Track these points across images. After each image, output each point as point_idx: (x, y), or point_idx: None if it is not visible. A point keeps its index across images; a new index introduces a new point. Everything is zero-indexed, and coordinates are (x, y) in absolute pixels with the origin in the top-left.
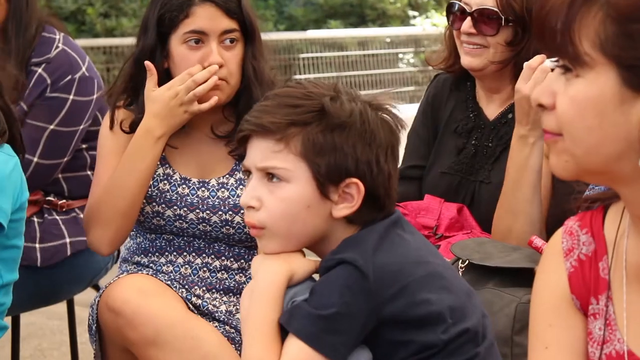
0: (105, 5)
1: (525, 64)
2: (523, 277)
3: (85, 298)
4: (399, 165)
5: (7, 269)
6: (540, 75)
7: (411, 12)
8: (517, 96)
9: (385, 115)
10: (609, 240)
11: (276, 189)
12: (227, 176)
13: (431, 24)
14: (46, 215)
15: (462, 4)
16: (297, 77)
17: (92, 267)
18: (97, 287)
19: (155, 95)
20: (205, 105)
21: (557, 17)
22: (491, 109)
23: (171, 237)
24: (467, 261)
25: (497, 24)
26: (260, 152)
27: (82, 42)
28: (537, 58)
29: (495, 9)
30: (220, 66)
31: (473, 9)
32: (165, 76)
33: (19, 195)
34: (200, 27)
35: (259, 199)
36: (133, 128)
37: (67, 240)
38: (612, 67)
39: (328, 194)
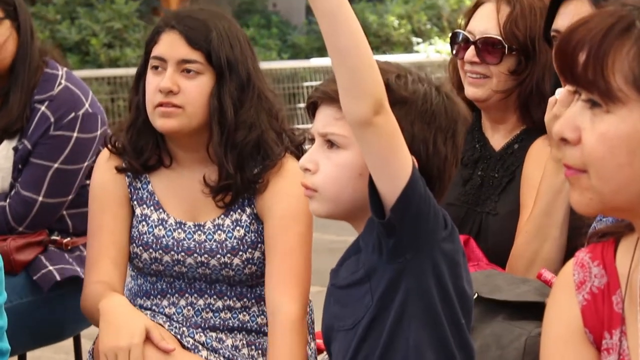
0: (109, 36)
1: (550, 100)
2: (532, 310)
3: (92, 331)
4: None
5: None
6: (566, 97)
7: (415, 39)
8: (550, 125)
9: (450, 101)
10: (621, 274)
11: (333, 155)
12: (223, 217)
13: (435, 50)
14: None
15: (466, 33)
16: (301, 105)
17: None
18: None
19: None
20: None
21: (588, 51)
22: (497, 140)
23: (172, 280)
24: (476, 294)
25: (500, 52)
26: (323, 119)
27: (86, 72)
28: (561, 100)
29: (499, 37)
30: (170, 92)
31: (476, 38)
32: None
33: None
34: (160, 53)
35: (315, 163)
36: (119, 150)
37: (77, 267)
38: None
39: None
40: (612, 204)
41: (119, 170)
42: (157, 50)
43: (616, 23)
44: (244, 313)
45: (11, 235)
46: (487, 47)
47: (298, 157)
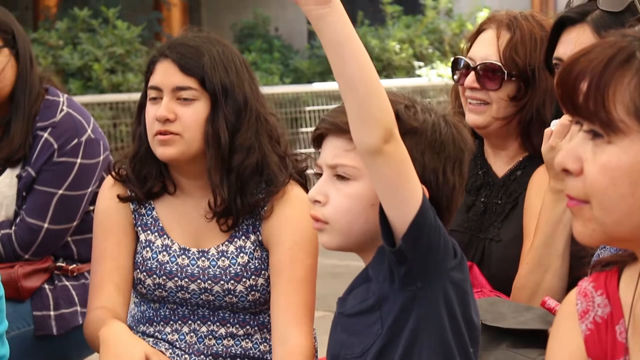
0: (112, 61)
1: (560, 122)
2: (536, 338)
3: (95, 358)
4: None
5: None
6: (562, 129)
7: (416, 63)
8: (548, 156)
9: (457, 130)
10: (624, 303)
11: (343, 186)
12: (227, 243)
13: (437, 74)
14: (57, 282)
15: (466, 59)
16: (303, 130)
17: None
18: None
19: None
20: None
21: (589, 82)
22: (499, 166)
23: (175, 307)
24: (480, 322)
25: (500, 78)
26: (332, 150)
27: (88, 97)
28: (557, 132)
29: (498, 63)
30: (167, 120)
31: (477, 64)
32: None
33: None
34: (155, 82)
35: (325, 195)
36: (122, 178)
37: (79, 309)
38: None
39: None
40: (614, 235)
41: (123, 199)
42: (153, 80)
43: (617, 54)
44: (247, 340)
45: (18, 262)
46: (487, 73)
47: (302, 184)
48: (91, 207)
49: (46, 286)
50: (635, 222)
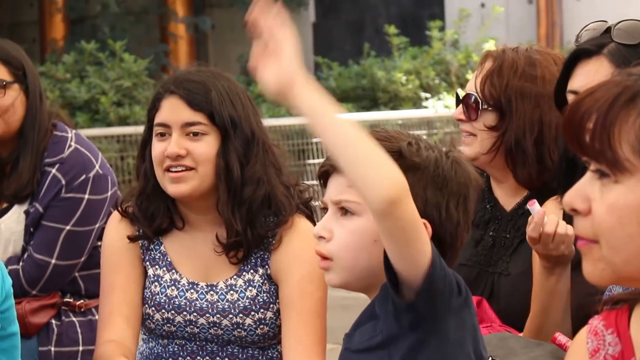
0: (119, 94)
1: (528, 234)
2: None
3: None
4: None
5: (9, 358)
6: (547, 238)
7: (423, 94)
8: (536, 249)
9: (461, 167)
10: (635, 342)
11: (347, 222)
12: (235, 277)
13: (443, 105)
14: (63, 317)
15: (460, 92)
16: (311, 161)
17: None
18: None
19: None
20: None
21: (594, 121)
22: (506, 199)
23: (184, 342)
24: (490, 357)
25: (477, 108)
26: (336, 187)
27: (95, 131)
28: (536, 227)
29: (474, 94)
30: (179, 156)
31: (463, 95)
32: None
33: (2, 284)
34: (163, 119)
35: (330, 231)
36: (130, 216)
37: (80, 348)
38: None
39: None
40: (624, 274)
41: (132, 239)
42: (159, 117)
43: (621, 93)
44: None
45: (25, 298)
46: (468, 104)
47: (308, 215)
48: (99, 243)
49: (53, 322)
50: None
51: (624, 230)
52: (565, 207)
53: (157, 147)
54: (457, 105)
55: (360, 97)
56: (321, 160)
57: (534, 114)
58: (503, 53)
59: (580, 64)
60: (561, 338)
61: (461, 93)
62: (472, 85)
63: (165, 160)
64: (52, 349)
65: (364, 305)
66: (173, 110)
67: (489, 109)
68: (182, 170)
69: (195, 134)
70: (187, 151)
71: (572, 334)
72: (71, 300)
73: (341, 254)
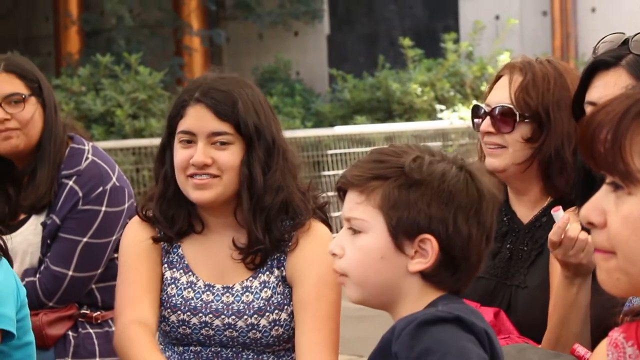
0: (134, 107)
1: (549, 239)
2: None
3: None
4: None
5: None
6: (569, 243)
7: (438, 106)
8: (556, 255)
9: (474, 179)
10: None
11: (356, 239)
12: (251, 279)
13: (458, 117)
14: (80, 329)
15: (483, 105)
16: (326, 173)
17: None
18: None
19: None
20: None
21: (606, 134)
22: (523, 212)
23: (199, 349)
24: None
25: (512, 120)
26: (347, 204)
27: (111, 143)
28: (558, 230)
29: (510, 106)
30: (205, 165)
31: (491, 108)
32: (175, 176)
33: (17, 294)
34: (189, 127)
35: (342, 247)
36: (151, 219)
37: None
38: None
39: (403, 247)
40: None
41: (156, 240)
42: (185, 125)
43: (633, 105)
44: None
45: (42, 310)
46: (500, 117)
47: (323, 220)
48: (115, 255)
49: (70, 333)
50: None
51: (638, 241)
52: (582, 221)
53: (182, 154)
54: (474, 118)
55: (375, 109)
56: (336, 172)
57: (570, 125)
58: (530, 65)
59: (598, 75)
60: (580, 349)
61: (485, 106)
62: (503, 97)
63: (189, 167)
64: None
65: (378, 316)
66: (200, 119)
67: (526, 120)
68: (206, 178)
69: (222, 143)
70: (212, 160)
71: (591, 345)
72: (88, 311)
73: (352, 270)
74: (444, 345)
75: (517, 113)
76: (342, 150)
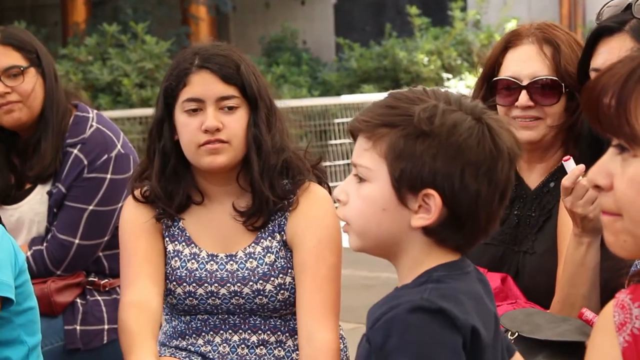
0: (141, 76)
1: (562, 183)
2: (574, 349)
3: None
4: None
5: (28, 333)
6: (580, 191)
7: (445, 75)
8: (566, 208)
9: (492, 134)
10: None
11: (360, 187)
12: (253, 245)
13: (465, 86)
14: (88, 296)
15: (510, 79)
16: (332, 142)
17: None
18: None
19: None
20: None
21: (611, 97)
22: (532, 178)
23: (206, 317)
24: (517, 333)
25: (557, 92)
26: (356, 149)
27: (118, 112)
28: (571, 175)
29: (555, 78)
30: (217, 130)
31: (527, 82)
32: (175, 149)
33: (15, 259)
34: (196, 94)
35: (347, 194)
36: (149, 199)
37: (105, 327)
38: None
39: (406, 201)
40: None
41: (158, 218)
42: (191, 92)
43: (637, 68)
44: (279, 348)
45: (50, 278)
46: (541, 90)
47: (319, 177)
48: None
49: (78, 300)
50: None
51: None
52: (589, 184)
53: (192, 123)
54: (491, 94)
55: (381, 77)
56: (343, 141)
57: None
58: (550, 33)
59: (602, 41)
60: (588, 314)
61: (516, 80)
62: (540, 69)
63: (200, 134)
64: (78, 327)
65: (385, 284)
66: (206, 84)
67: (567, 90)
68: (217, 143)
69: (230, 107)
70: (223, 125)
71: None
72: (95, 279)
73: (354, 219)
74: (414, 346)
75: (563, 84)
76: (349, 119)
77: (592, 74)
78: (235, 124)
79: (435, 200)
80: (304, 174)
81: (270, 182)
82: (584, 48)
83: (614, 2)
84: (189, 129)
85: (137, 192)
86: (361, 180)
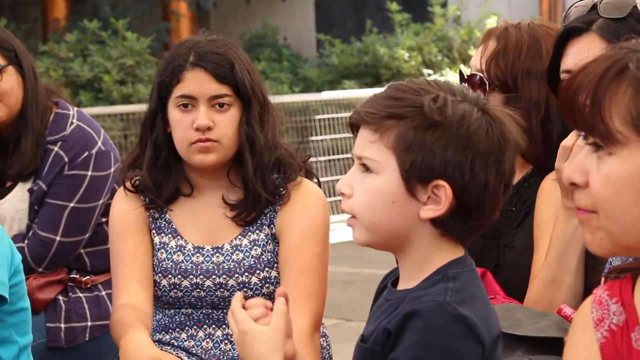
0: (121, 73)
1: (561, 144)
2: (553, 344)
3: None
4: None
5: (19, 333)
6: (578, 151)
7: (426, 71)
8: (558, 175)
9: (498, 124)
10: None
11: (367, 179)
12: (240, 237)
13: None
14: (70, 293)
15: (462, 71)
16: (313, 138)
17: (115, 347)
18: None
19: None
20: None
21: (585, 95)
22: None
23: (190, 311)
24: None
25: (483, 90)
26: (360, 141)
27: (98, 109)
28: (572, 137)
29: (480, 74)
30: (209, 128)
31: (466, 75)
32: (167, 141)
33: (11, 259)
34: (189, 91)
35: (351, 187)
36: (139, 189)
37: (89, 324)
38: None
39: (415, 192)
40: (623, 244)
41: (148, 207)
42: (184, 89)
43: (611, 66)
44: None
45: (32, 275)
46: (473, 84)
47: (308, 172)
48: (103, 219)
49: (60, 298)
50: None
51: (619, 200)
52: (565, 182)
53: (184, 120)
54: (462, 83)
55: (362, 73)
56: (324, 137)
57: (540, 94)
58: (506, 32)
59: (570, 42)
60: (567, 310)
61: (465, 71)
62: (477, 65)
63: (191, 132)
64: (62, 325)
65: (366, 280)
66: (199, 83)
67: (495, 89)
68: (208, 142)
69: (221, 105)
70: (214, 123)
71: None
72: (77, 276)
73: (360, 212)
74: (435, 348)
75: (487, 82)
76: (330, 115)
77: (563, 76)
78: (227, 122)
79: (446, 191)
80: (295, 170)
81: (262, 179)
82: (552, 50)
83: (581, 3)
84: (181, 126)
85: (127, 183)
86: (366, 171)
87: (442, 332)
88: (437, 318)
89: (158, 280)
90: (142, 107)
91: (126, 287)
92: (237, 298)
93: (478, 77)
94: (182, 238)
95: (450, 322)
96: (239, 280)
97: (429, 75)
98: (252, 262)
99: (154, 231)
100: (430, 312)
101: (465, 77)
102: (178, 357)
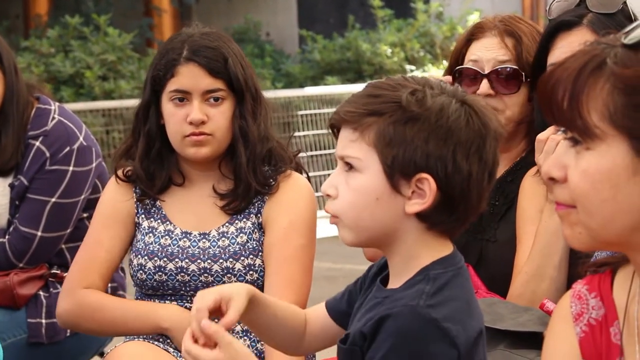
0: (103, 68)
1: (537, 137)
2: (535, 338)
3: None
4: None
5: None
6: (552, 145)
7: (408, 67)
8: (539, 169)
9: (477, 113)
10: (618, 305)
11: (350, 179)
12: (227, 224)
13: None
14: (51, 289)
15: (473, 67)
16: (296, 134)
17: (98, 339)
18: (102, 354)
19: None
20: None
21: (564, 90)
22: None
23: (173, 298)
24: None
25: (517, 82)
26: (342, 141)
27: (80, 105)
28: (548, 130)
29: (515, 67)
30: (203, 122)
31: (488, 71)
32: (160, 133)
33: None
34: (183, 86)
35: (335, 188)
36: (131, 179)
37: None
38: (623, 139)
39: (399, 187)
40: (601, 238)
41: (139, 200)
42: (178, 84)
43: (589, 61)
44: (244, 337)
45: (13, 270)
46: (501, 79)
47: (297, 164)
48: (84, 214)
49: (41, 293)
50: (619, 225)
51: (597, 195)
52: (544, 177)
53: (178, 113)
54: (459, 82)
55: (345, 69)
56: (306, 132)
57: None
58: (511, 23)
59: (560, 36)
60: (549, 305)
61: (479, 69)
62: (503, 58)
63: (185, 126)
64: (43, 321)
65: (348, 276)
66: (193, 77)
67: (528, 80)
68: (202, 135)
69: (216, 99)
70: (207, 117)
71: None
72: (58, 271)
73: (345, 212)
74: (406, 352)
75: (523, 74)
76: (313, 111)
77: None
78: (220, 116)
79: (430, 184)
80: (286, 162)
81: (254, 170)
82: (540, 43)
83: None
84: (174, 119)
85: (120, 172)
86: (350, 171)
87: (414, 336)
88: (409, 322)
89: (144, 263)
90: (124, 103)
91: (89, 275)
92: (187, 336)
93: (512, 69)
94: (171, 223)
95: (422, 326)
96: (223, 266)
97: (412, 71)
98: (237, 249)
99: (142, 216)
100: (402, 317)
101: (485, 72)
102: (157, 346)
